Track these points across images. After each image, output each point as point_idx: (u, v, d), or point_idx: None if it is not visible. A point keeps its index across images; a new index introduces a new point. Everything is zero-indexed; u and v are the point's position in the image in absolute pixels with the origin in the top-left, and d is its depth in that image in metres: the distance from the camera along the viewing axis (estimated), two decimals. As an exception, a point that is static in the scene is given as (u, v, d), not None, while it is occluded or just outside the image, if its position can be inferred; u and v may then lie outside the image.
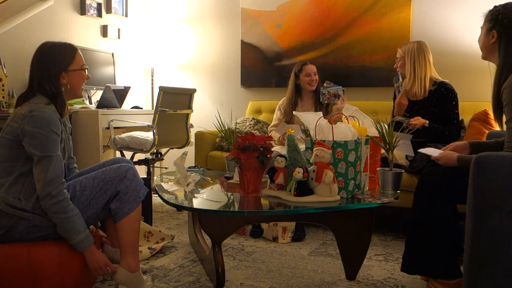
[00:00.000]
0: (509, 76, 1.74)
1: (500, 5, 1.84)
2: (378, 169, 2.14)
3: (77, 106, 3.37)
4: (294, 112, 2.43)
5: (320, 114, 2.18)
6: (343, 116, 2.20)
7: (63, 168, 1.83)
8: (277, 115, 3.44)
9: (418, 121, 2.71)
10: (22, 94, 1.89)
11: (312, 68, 3.36)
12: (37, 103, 1.81)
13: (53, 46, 1.91)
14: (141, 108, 4.09)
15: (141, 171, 3.38)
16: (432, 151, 2.08)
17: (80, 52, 1.96)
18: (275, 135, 3.32)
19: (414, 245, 1.90)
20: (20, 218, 1.77)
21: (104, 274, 1.88)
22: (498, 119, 1.85)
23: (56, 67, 1.87)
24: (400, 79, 2.85)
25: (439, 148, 2.38)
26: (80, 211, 1.80)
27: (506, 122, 1.74)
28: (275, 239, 2.75)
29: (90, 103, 3.74)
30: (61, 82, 1.88)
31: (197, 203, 2.11)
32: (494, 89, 1.83)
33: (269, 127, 3.52)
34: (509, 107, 1.70)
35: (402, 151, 2.45)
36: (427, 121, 2.72)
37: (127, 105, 4.06)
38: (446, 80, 2.85)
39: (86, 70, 1.98)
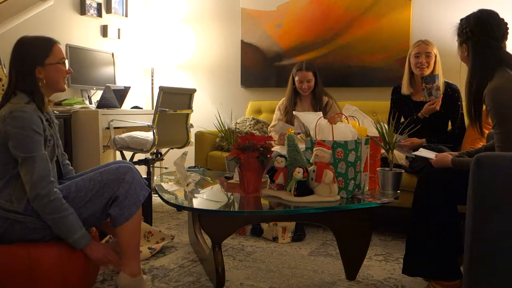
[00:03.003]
0: (489, 83, 1.78)
1: (464, 19, 1.93)
2: (378, 169, 2.15)
3: (77, 106, 3.36)
4: (294, 112, 2.43)
5: (320, 114, 2.18)
6: (343, 116, 2.20)
7: (50, 167, 1.77)
8: (277, 115, 3.43)
9: (411, 142, 2.69)
10: (3, 93, 1.83)
11: (305, 76, 3.24)
12: (17, 103, 1.76)
13: (29, 41, 1.86)
14: (141, 108, 4.09)
15: (141, 171, 3.38)
16: (427, 154, 2.08)
17: (60, 46, 1.90)
18: (275, 135, 3.31)
19: (414, 247, 1.90)
20: (14, 221, 1.74)
21: (109, 263, 1.86)
22: (477, 122, 1.90)
23: (32, 61, 1.82)
24: (437, 82, 2.69)
25: (438, 149, 2.39)
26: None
27: (493, 127, 1.78)
28: (275, 239, 2.75)
29: (90, 103, 3.74)
30: (37, 77, 1.83)
31: (197, 203, 2.11)
32: (466, 97, 1.90)
33: (269, 128, 3.52)
34: (492, 112, 1.75)
35: (402, 152, 2.46)
36: (424, 140, 2.72)
37: (127, 105, 4.06)
38: (449, 81, 2.86)
39: (67, 63, 1.91)
